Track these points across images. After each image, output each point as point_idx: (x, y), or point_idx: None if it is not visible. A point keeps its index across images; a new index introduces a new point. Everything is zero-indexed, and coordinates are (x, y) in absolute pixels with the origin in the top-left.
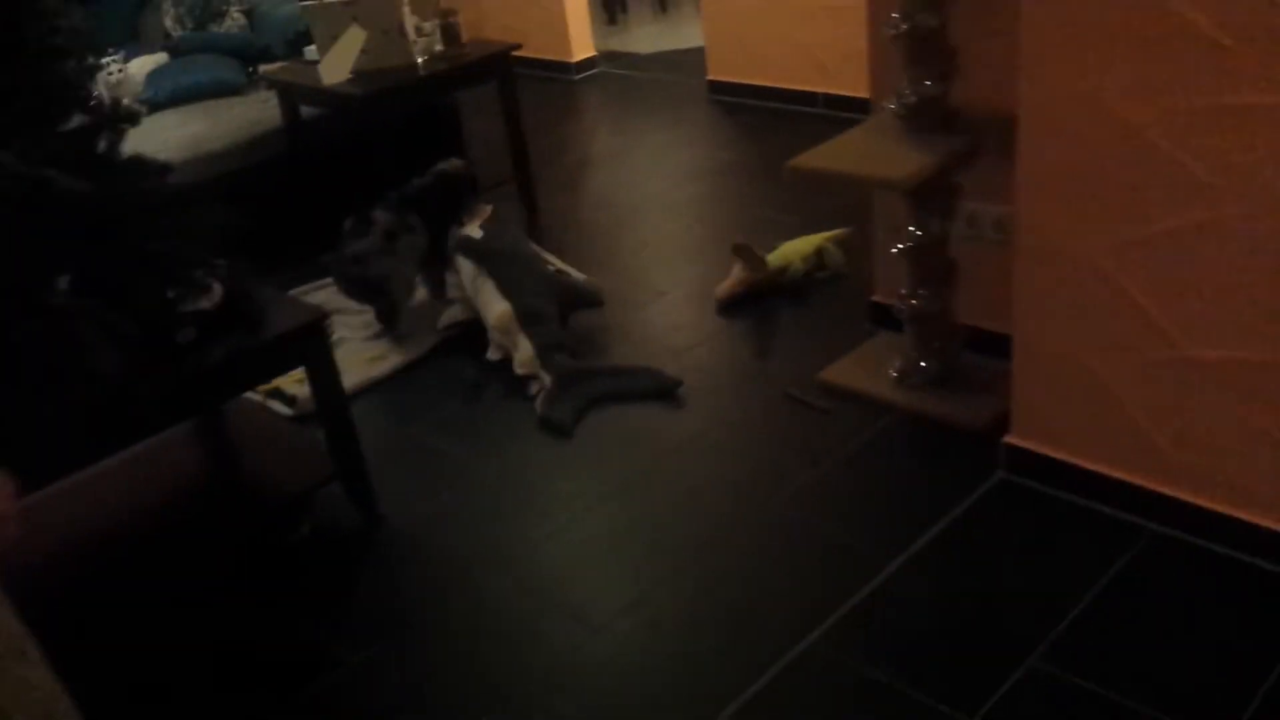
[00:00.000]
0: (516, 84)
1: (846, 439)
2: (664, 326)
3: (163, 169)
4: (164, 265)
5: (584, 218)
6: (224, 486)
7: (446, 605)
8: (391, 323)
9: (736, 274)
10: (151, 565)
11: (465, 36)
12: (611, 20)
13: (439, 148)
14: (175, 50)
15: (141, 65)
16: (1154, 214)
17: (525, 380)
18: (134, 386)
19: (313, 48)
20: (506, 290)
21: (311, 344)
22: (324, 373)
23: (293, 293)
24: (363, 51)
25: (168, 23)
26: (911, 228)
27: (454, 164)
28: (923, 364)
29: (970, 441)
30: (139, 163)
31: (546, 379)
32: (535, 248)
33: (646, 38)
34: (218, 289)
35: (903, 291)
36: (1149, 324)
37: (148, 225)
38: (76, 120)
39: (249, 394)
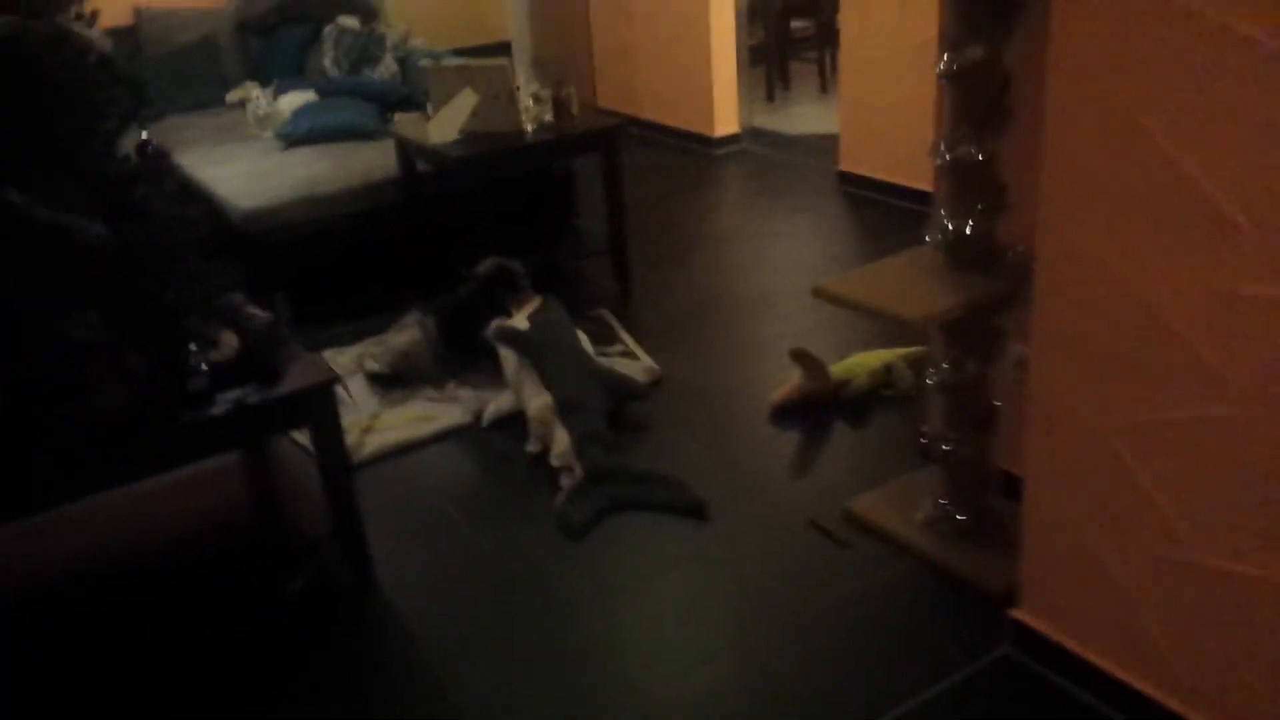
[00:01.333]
0: (620, 159)
1: (859, 576)
2: (713, 424)
3: (190, 222)
4: (177, 315)
5: (676, 297)
6: (229, 529)
7: (405, 684)
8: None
9: (794, 381)
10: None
11: (577, 109)
12: (770, 97)
13: (551, 212)
14: (323, 90)
15: (291, 101)
16: (1165, 400)
17: (559, 472)
18: (134, 428)
19: None
20: (548, 381)
21: (317, 405)
22: (327, 434)
23: (365, 342)
24: (473, 114)
25: (326, 62)
26: (945, 365)
27: (490, 265)
28: (952, 512)
29: (985, 604)
30: (169, 214)
31: (577, 472)
32: (584, 343)
33: (799, 118)
34: (233, 341)
35: (935, 431)
36: (1158, 516)
37: (165, 276)
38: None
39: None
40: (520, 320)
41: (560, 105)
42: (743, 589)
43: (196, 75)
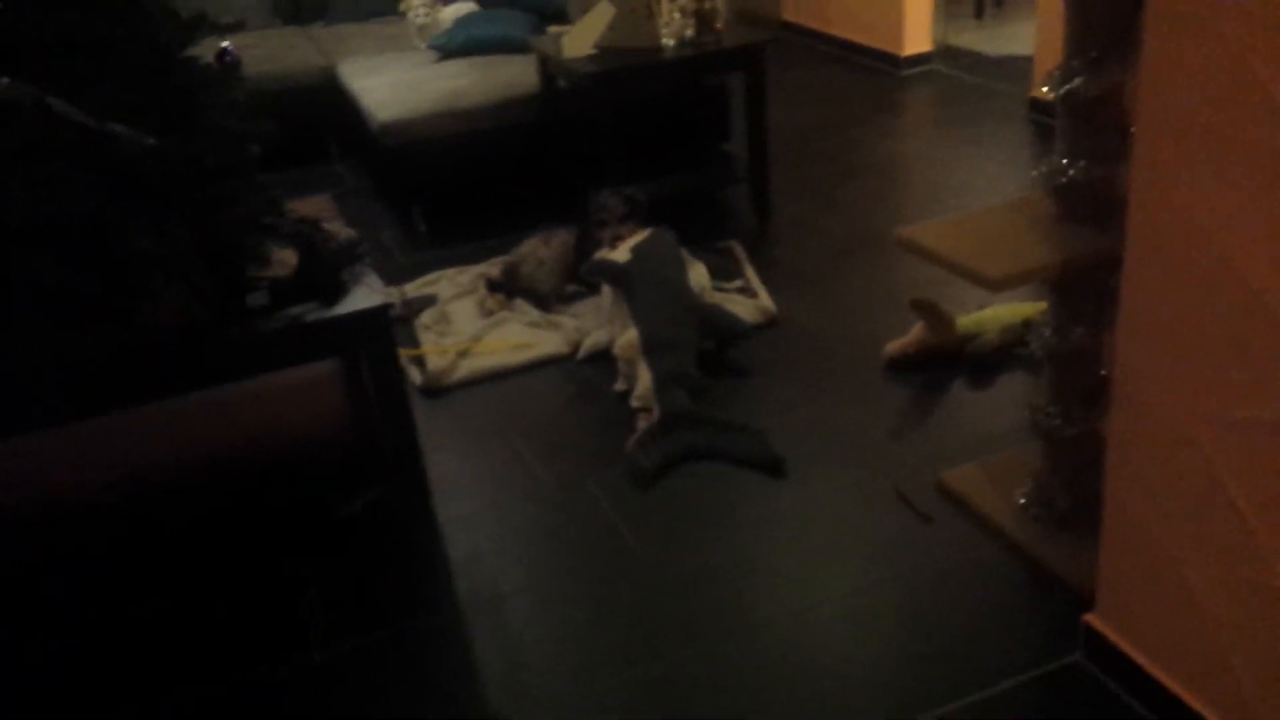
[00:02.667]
0: (764, 79)
1: (938, 556)
2: (820, 373)
3: (255, 137)
4: (232, 231)
5: (817, 232)
6: (312, 440)
7: (443, 616)
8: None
9: (914, 333)
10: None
11: (723, 23)
12: (979, 14)
13: (699, 133)
14: (484, 1)
15: (454, 11)
16: (1262, 394)
17: (637, 413)
18: (186, 339)
19: None
20: (636, 317)
21: (372, 330)
22: (381, 362)
23: (489, 262)
24: (609, 28)
25: None
26: (1049, 331)
27: (605, 193)
28: (1052, 496)
29: (1070, 603)
30: (232, 128)
31: (656, 414)
32: (701, 276)
33: (1006, 38)
34: (290, 259)
35: (1038, 404)
36: (1244, 531)
37: (220, 191)
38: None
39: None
40: (622, 252)
41: (703, 19)
42: (807, 559)
43: None
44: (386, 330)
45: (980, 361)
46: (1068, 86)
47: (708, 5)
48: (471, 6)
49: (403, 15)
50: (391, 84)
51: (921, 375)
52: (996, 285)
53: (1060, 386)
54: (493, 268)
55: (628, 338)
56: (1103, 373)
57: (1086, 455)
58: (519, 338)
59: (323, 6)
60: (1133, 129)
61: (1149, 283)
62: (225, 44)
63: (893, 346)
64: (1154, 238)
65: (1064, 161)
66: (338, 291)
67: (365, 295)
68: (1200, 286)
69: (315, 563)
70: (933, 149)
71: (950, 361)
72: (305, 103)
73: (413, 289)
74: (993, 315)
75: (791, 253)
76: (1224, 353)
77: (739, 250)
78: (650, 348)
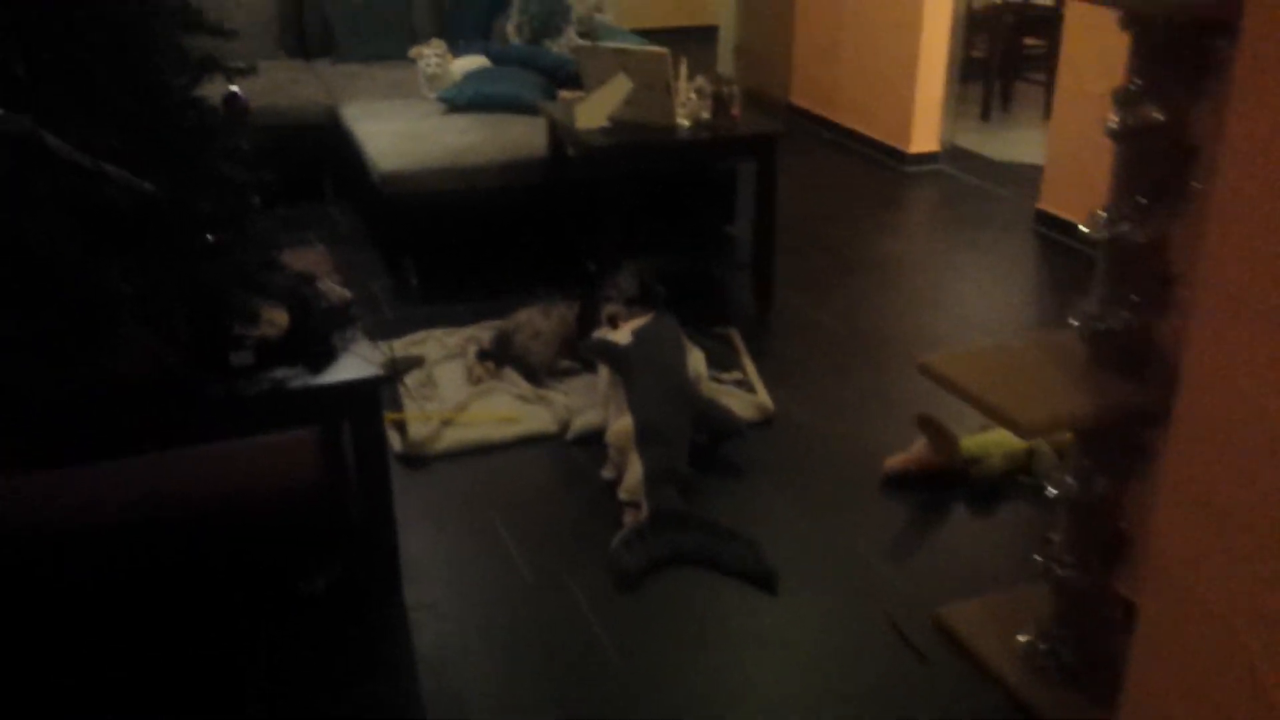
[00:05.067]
0: (774, 168)
1: (931, 701)
2: (816, 481)
3: (247, 185)
4: (222, 285)
5: (818, 326)
6: (283, 506)
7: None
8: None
9: (916, 450)
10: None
11: (738, 108)
12: (985, 115)
13: (704, 215)
14: (496, 57)
15: (464, 65)
16: None
17: (623, 507)
18: (159, 394)
19: None
20: (633, 404)
21: (360, 400)
22: (367, 433)
23: (479, 325)
24: (626, 103)
25: (510, 28)
26: (1071, 477)
27: (631, 275)
28: (1058, 647)
29: None
30: (233, 176)
31: (644, 511)
32: (698, 364)
33: (1011, 143)
34: (281, 319)
35: (1048, 548)
36: None
37: (214, 243)
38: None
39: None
40: (623, 334)
41: (720, 102)
42: (792, 692)
43: (385, 24)
44: (375, 403)
45: (982, 488)
46: (1114, 231)
47: (726, 90)
48: (483, 61)
49: (412, 61)
50: (396, 133)
51: (920, 494)
52: (1029, 432)
53: (1077, 536)
54: (483, 332)
55: (622, 425)
56: (1123, 525)
57: (1098, 610)
58: (507, 410)
59: (330, 43)
60: (1178, 284)
61: (1193, 451)
62: (234, 89)
63: (893, 462)
64: (1207, 411)
65: (1102, 309)
66: (327, 357)
67: (355, 364)
68: (1253, 467)
69: (269, 638)
70: (936, 251)
71: (951, 482)
72: (304, 140)
73: (399, 347)
74: (996, 440)
75: (791, 347)
76: (1271, 540)
77: (736, 338)
78: (644, 439)
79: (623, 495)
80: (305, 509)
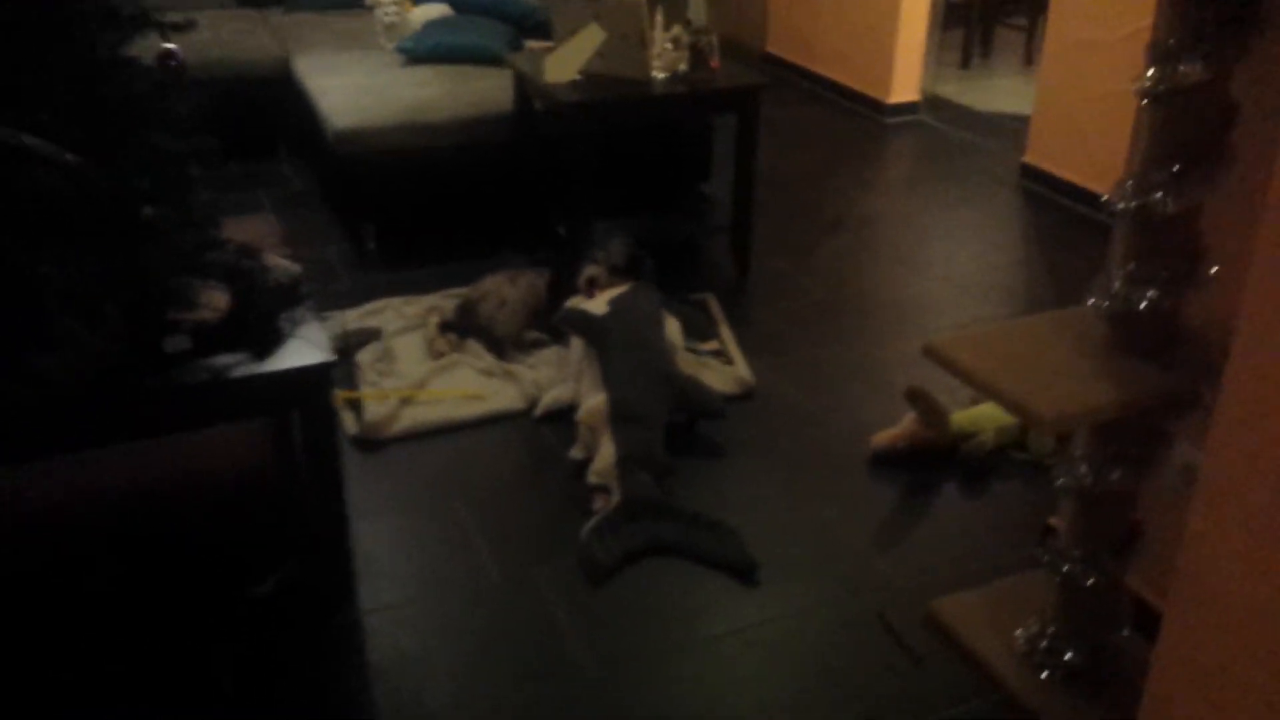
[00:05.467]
0: (756, 125)
1: (923, 704)
2: (800, 459)
3: (185, 155)
4: (156, 265)
5: (799, 290)
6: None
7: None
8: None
9: (905, 425)
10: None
11: (717, 60)
12: (965, 64)
13: (679, 173)
14: (458, 5)
15: (425, 13)
16: None
17: (593, 491)
18: (92, 387)
19: None
20: (607, 380)
21: (308, 390)
22: (317, 426)
23: (441, 294)
24: (598, 55)
25: None
26: (1083, 467)
27: (620, 246)
28: (1061, 646)
29: None
30: (169, 146)
31: (615, 497)
32: (674, 333)
33: (993, 92)
34: (220, 302)
35: (1057, 545)
36: None
37: (150, 219)
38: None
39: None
40: (599, 304)
41: (698, 53)
42: (775, 697)
43: None
44: (326, 392)
45: (974, 464)
46: (1143, 200)
47: (704, 40)
48: (444, 9)
49: (369, 9)
50: (352, 87)
51: (910, 473)
52: (1050, 426)
53: (1086, 529)
54: (445, 301)
55: (596, 403)
56: (1137, 517)
57: (1105, 607)
58: (470, 387)
59: None
60: (1210, 259)
61: (1238, 446)
62: (170, 46)
63: (881, 438)
64: (1252, 394)
65: (1127, 286)
66: (273, 341)
67: (304, 350)
68: None
69: (214, 645)
70: (921, 208)
71: (940, 460)
72: (255, 95)
73: (354, 318)
74: (988, 414)
75: (771, 313)
76: None
77: (713, 305)
78: (618, 418)
79: (592, 478)
80: (253, 504)
